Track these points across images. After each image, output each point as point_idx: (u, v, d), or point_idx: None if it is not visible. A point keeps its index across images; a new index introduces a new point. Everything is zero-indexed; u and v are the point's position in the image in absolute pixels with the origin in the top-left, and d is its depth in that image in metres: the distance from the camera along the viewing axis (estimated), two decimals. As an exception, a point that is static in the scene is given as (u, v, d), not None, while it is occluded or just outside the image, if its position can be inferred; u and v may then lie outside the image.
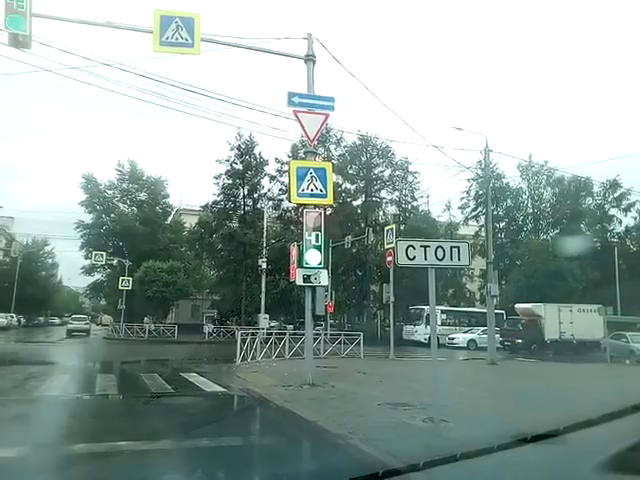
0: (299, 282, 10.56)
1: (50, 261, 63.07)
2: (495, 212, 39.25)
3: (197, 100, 12.73)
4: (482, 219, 40.12)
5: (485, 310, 37.02)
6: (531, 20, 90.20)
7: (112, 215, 44.33)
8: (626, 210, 43.56)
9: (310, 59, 11.07)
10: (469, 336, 30.41)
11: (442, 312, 33.77)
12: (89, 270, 45.62)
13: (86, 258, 43.66)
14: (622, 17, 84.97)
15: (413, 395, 8.56)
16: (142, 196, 45.52)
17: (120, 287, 34.95)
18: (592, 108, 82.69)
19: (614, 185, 42.73)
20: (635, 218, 44.02)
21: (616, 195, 43.42)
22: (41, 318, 61.83)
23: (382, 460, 4.78)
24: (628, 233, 44.04)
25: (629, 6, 79.57)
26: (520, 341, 27.07)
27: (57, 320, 68.22)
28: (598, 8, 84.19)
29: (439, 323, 31.46)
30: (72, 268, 60.60)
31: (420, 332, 29.49)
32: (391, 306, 21.11)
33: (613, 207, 44.00)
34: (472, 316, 34.55)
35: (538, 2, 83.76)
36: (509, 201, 45.49)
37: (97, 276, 47.60)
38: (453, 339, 29.98)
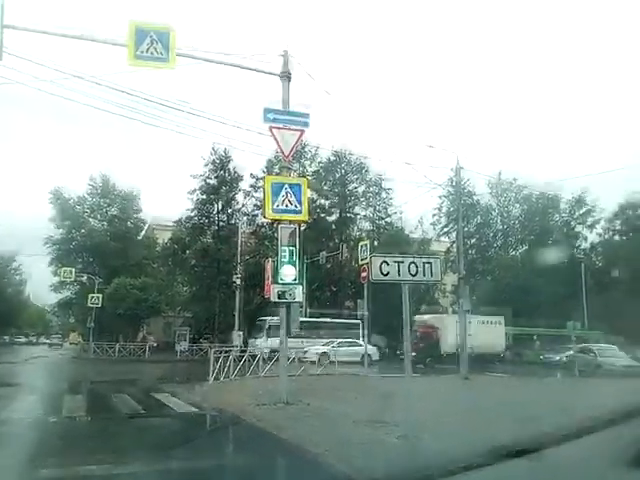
0: (274, 298, 10.51)
1: (17, 278, 61.20)
2: (466, 228, 40.00)
3: (170, 114, 12.72)
4: (453, 235, 40.86)
5: (343, 320, 32.62)
6: (500, 39, 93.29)
7: (82, 230, 43.37)
8: (591, 227, 45.01)
9: (285, 76, 11.19)
10: (322, 349, 25.67)
11: None
12: (58, 287, 44.41)
13: (55, 274, 42.55)
14: (589, 32, 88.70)
15: (388, 412, 8.56)
16: (113, 211, 44.70)
17: (89, 304, 34.09)
18: (559, 124, 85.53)
19: (580, 202, 44.09)
20: (600, 235, 45.50)
21: (582, 212, 44.84)
22: (5, 337, 59.76)
23: (358, 479, 4.78)
24: (593, 249, 45.43)
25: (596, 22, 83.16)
26: (414, 354, 25.18)
27: (23, 339, 66.08)
28: (565, 24, 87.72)
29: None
30: (41, 285, 58.81)
31: (261, 346, 25.16)
32: (365, 322, 21.21)
33: (579, 224, 45.40)
34: (329, 327, 30.94)
35: (510, 18, 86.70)
36: (479, 218, 46.42)
37: (66, 293, 46.31)
38: (306, 352, 24.10)
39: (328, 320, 32.11)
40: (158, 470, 5.54)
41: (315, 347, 25.56)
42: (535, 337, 32.30)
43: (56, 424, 8.70)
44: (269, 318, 30.99)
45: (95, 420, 9.37)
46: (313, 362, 19.62)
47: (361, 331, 32.06)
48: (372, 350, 27.21)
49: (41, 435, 7.82)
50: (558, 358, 26.62)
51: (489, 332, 25.69)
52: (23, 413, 9.58)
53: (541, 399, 12.32)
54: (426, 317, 27.38)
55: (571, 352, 25.25)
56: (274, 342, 28.09)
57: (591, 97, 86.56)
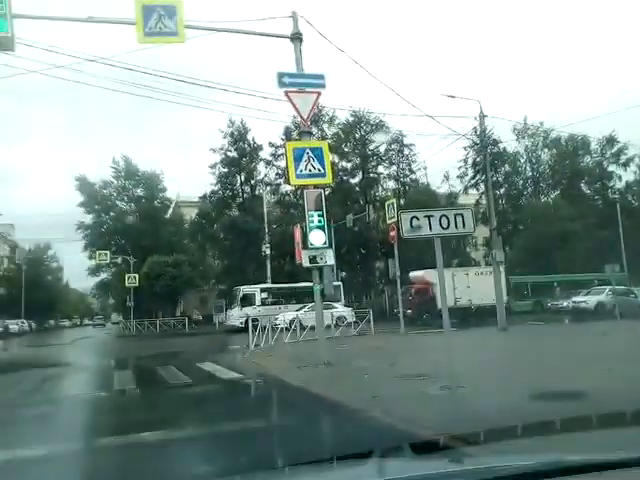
0: (305, 264, 10.57)
1: (55, 265, 63.31)
2: (494, 178, 38.86)
3: (186, 89, 12.68)
4: (482, 186, 39.88)
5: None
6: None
7: (111, 213, 44.38)
8: (625, 165, 43.33)
9: (297, 37, 10.86)
10: (292, 315, 22.49)
11: (262, 291, 30.42)
12: (94, 270, 45.82)
13: (90, 258, 43.82)
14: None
15: (429, 366, 8.61)
16: (139, 192, 45.40)
17: (127, 284, 35.10)
18: (582, 64, 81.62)
19: (611, 141, 42.33)
20: (635, 172, 43.80)
21: (613, 151, 43.14)
22: (51, 322, 62.32)
23: (408, 431, 4.84)
24: (629, 189, 43.84)
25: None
26: (410, 311, 23.76)
27: (67, 322, 68.97)
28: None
29: (258, 303, 29.36)
30: (78, 270, 60.82)
31: (235, 316, 23.81)
32: (398, 281, 21.15)
33: (612, 163, 43.76)
34: (300, 292, 28.67)
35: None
36: (507, 166, 45.15)
37: (103, 275, 47.86)
38: (277, 319, 22.04)
39: (303, 285, 28.53)
40: (210, 434, 5.71)
41: (286, 314, 23.45)
42: (555, 284, 31.49)
43: (108, 398, 9.06)
44: (242, 287, 30.66)
45: (145, 392, 9.69)
46: (283, 329, 17.38)
47: (342, 294, 30.97)
48: (347, 312, 26.18)
49: (96, 408, 8.18)
50: (566, 304, 26.09)
51: (488, 283, 22.66)
52: (77, 389, 10.04)
53: (575, 350, 11.35)
54: (421, 273, 25.23)
55: (575, 298, 25.34)
56: (248, 311, 27.01)
57: (611, 33, 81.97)
